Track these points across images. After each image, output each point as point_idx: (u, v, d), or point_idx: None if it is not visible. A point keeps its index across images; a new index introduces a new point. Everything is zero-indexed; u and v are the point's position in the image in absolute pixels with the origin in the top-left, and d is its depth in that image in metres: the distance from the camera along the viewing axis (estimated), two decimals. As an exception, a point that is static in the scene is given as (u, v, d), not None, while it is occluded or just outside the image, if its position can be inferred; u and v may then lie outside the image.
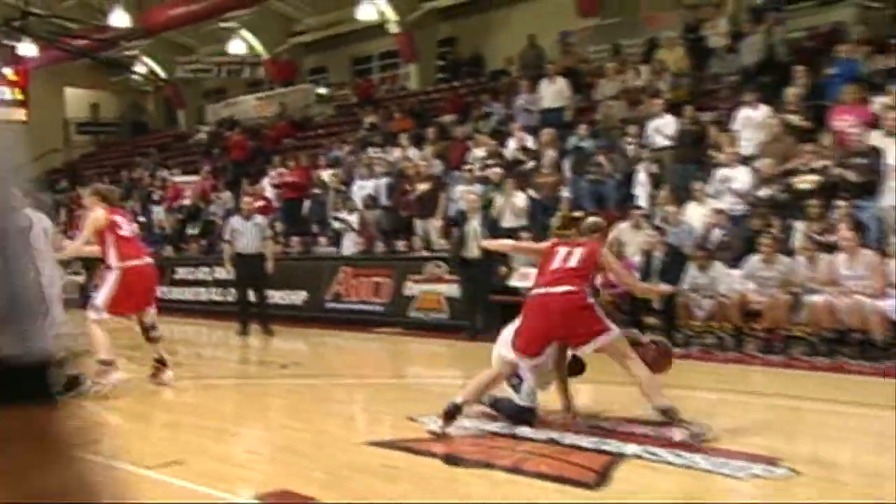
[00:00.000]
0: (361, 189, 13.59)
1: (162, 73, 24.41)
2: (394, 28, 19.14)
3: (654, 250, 9.34)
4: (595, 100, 13.26)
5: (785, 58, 11.76)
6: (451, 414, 5.01)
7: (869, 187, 8.95)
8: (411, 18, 19.00)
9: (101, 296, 6.79)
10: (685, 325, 8.80)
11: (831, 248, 8.37)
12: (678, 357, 5.34)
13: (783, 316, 8.31)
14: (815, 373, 7.50)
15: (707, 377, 5.91)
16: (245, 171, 17.25)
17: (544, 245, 5.58)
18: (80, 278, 13.38)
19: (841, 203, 8.74)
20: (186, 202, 17.14)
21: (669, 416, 4.90)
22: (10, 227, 0.61)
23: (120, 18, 20.57)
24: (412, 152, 13.92)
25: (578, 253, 5.21)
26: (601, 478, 4.23)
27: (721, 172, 10.12)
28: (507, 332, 5.40)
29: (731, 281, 8.68)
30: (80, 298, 10.22)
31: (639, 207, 10.39)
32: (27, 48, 21.94)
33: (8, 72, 23.34)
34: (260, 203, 13.15)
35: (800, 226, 8.92)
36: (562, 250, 5.30)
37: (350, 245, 13.05)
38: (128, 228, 7.00)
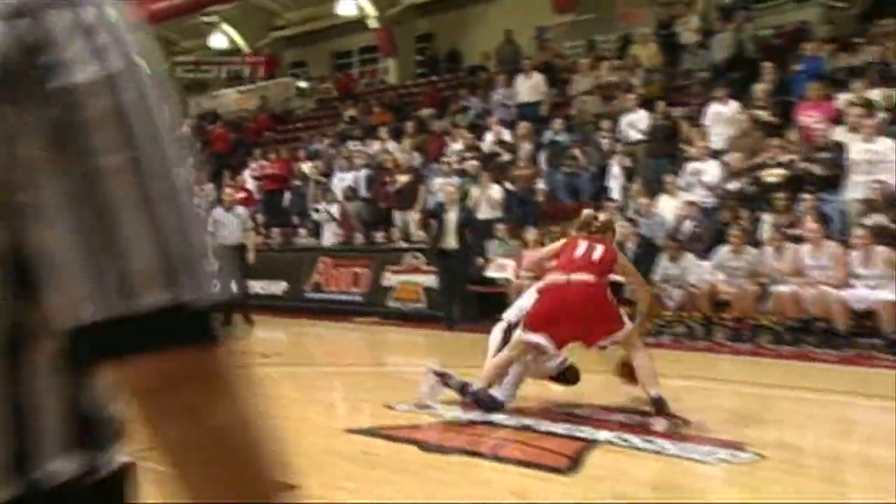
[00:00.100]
0: (341, 181, 13.58)
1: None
2: (373, 23, 19.07)
3: (627, 241, 9.40)
4: (570, 95, 13.30)
5: (753, 55, 11.85)
6: (482, 402, 5.07)
7: (833, 181, 9.07)
8: (390, 14, 18.94)
9: None
10: (656, 314, 8.88)
11: (797, 240, 8.48)
12: (650, 346, 5.41)
13: (751, 306, 8.41)
14: (781, 361, 7.60)
15: (677, 365, 5.99)
16: (226, 163, 17.15)
17: (562, 242, 5.56)
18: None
19: (806, 196, 8.85)
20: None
21: (659, 406, 4.93)
22: (186, 171, 0.64)
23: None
24: (391, 145, 13.92)
25: (599, 249, 5.19)
26: (574, 463, 4.28)
27: (692, 166, 10.20)
28: (509, 315, 5.40)
29: (702, 272, 8.77)
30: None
31: (612, 200, 10.46)
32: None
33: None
34: (241, 195, 13.09)
35: (767, 218, 9.02)
36: (583, 243, 5.29)
37: (330, 236, 13.04)
38: None
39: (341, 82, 20.20)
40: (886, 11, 10.93)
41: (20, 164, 0.59)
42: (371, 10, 18.84)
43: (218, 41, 22.25)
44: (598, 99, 12.57)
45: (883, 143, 8.90)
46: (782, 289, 8.23)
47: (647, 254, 9.03)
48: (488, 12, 17.58)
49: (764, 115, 10.33)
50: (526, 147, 11.92)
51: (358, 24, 19.30)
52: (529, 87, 13.29)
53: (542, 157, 12.02)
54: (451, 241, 10.14)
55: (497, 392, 5.25)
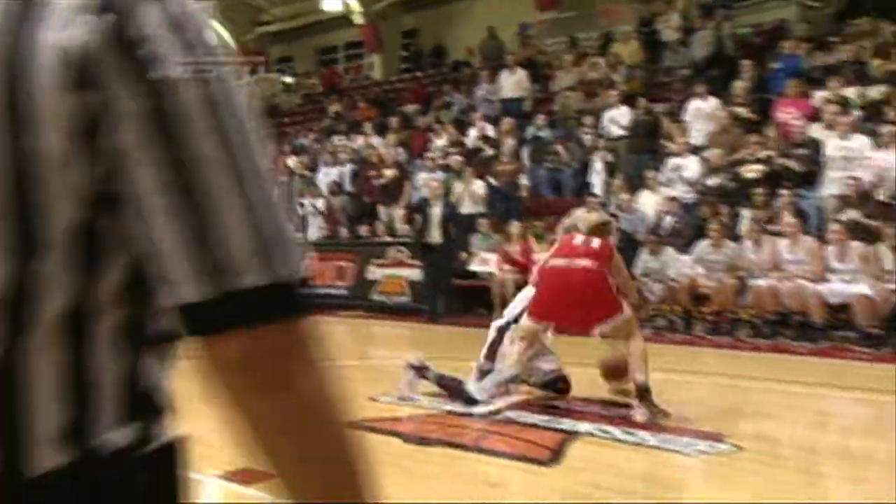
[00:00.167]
0: (326, 176, 13.53)
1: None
2: (358, 19, 18.98)
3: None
4: (553, 91, 13.30)
5: (733, 52, 11.89)
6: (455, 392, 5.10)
7: (810, 177, 9.12)
8: (376, 9, 18.86)
9: None
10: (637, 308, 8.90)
11: (776, 235, 8.52)
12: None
13: (730, 299, 8.45)
14: (759, 354, 7.65)
15: (657, 358, 5.99)
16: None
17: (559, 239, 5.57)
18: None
19: (784, 192, 8.89)
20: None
21: (643, 393, 4.93)
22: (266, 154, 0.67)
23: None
24: (376, 140, 13.87)
25: (597, 241, 5.19)
26: (555, 455, 4.27)
27: (672, 161, 10.23)
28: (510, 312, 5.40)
29: (682, 266, 8.80)
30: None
31: (594, 195, 10.48)
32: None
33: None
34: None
35: (746, 213, 9.06)
36: (580, 236, 5.30)
37: (315, 230, 12.99)
38: None
39: (326, 78, 20.10)
40: (860, 11, 11.00)
41: (116, 154, 0.61)
42: (356, 6, 18.74)
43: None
44: (580, 95, 12.57)
45: (858, 140, 8.96)
46: (760, 283, 8.27)
47: (627, 248, 9.04)
48: (472, 8, 17.55)
49: (743, 111, 10.38)
50: (509, 142, 11.92)
51: (343, 19, 19.21)
52: (513, 82, 13.29)
53: (525, 153, 12.01)
54: (435, 236, 10.13)
55: (474, 389, 5.22)
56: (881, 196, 8.51)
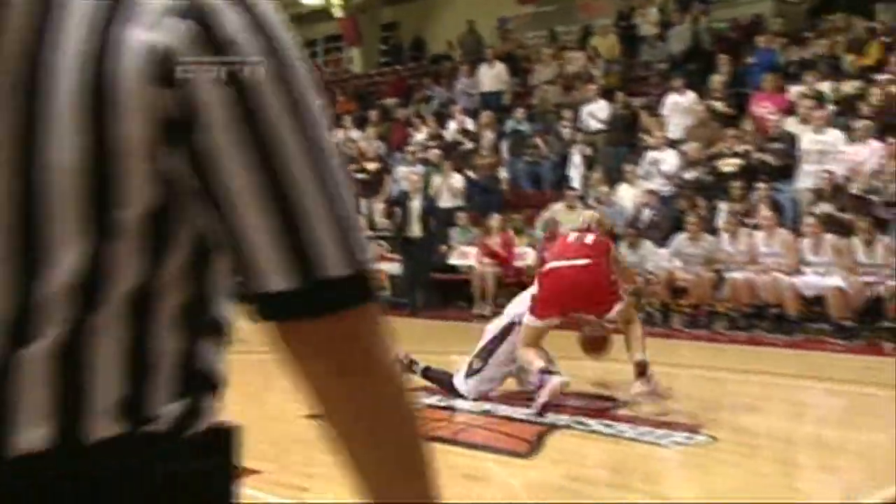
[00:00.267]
0: (306, 169, 13.45)
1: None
2: (338, 12, 18.88)
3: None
4: (532, 84, 13.31)
5: (709, 47, 11.95)
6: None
7: (785, 171, 9.20)
8: (355, 2, 18.77)
9: None
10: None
11: (752, 228, 8.59)
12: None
13: (707, 292, 8.50)
14: (735, 346, 7.70)
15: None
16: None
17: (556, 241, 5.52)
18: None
19: (761, 185, 8.96)
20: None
21: (641, 369, 4.99)
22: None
23: None
24: (355, 134, 13.81)
25: (590, 237, 5.19)
26: (533, 447, 4.29)
27: (650, 155, 10.27)
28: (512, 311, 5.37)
29: (659, 259, 8.84)
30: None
31: (572, 188, 10.51)
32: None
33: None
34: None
35: (723, 206, 9.12)
36: (573, 233, 5.30)
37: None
38: None
39: (306, 71, 20.01)
40: (834, 7, 11.09)
41: (202, 150, 0.64)
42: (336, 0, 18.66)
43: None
44: (559, 89, 12.59)
45: (832, 135, 9.04)
46: (737, 275, 8.33)
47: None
48: (452, 2, 17.50)
49: (720, 105, 10.44)
50: (488, 136, 11.92)
51: (322, 13, 19.09)
52: (492, 76, 13.28)
53: (505, 146, 12.02)
54: (415, 230, 10.10)
55: (461, 383, 5.21)
56: (854, 190, 8.59)
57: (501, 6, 15.62)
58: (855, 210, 8.20)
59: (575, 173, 11.06)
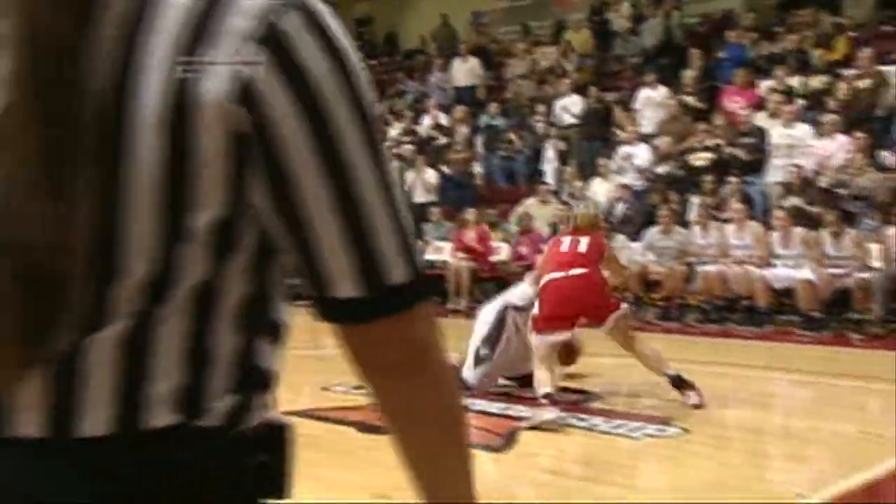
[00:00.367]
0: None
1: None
2: (311, 6, 18.79)
3: (560, 223, 9.48)
4: (505, 79, 13.33)
5: (681, 41, 12.03)
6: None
7: (755, 165, 9.30)
8: (328, -4, 18.69)
9: None
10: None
11: (725, 221, 8.68)
12: (579, 344, 5.50)
13: (679, 285, 8.58)
14: (706, 338, 7.78)
15: (609, 344, 6.07)
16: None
17: (546, 248, 5.49)
18: None
19: (732, 179, 9.05)
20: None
21: (682, 382, 4.96)
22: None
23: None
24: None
25: (584, 241, 5.15)
26: (508, 441, 4.31)
27: (623, 149, 10.33)
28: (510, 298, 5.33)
29: (632, 253, 8.90)
30: None
31: (545, 183, 10.55)
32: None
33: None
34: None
35: (695, 200, 9.20)
36: (566, 239, 5.24)
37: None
38: None
39: (279, 65, 19.87)
40: (803, 2, 11.21)
41: (277, 164, 0.68)
42: (308, -7, 18.55)
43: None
44: (532, 83, 12.62)
45: (800, 129, 9.15)
46: (709, 268, 8.42)
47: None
48: (426, -4, 17.46)
49: (691, 100, 10.52)
50: (462, 131, 11.92)
51: (295, 6, 18.98)
52: (465, 71, 13.28)
53: (479, 141, 12.03)
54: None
55: (469, 375, 5.20)
56: (822, 183, 8.71)
57: (475, 1, 15.62)
58: (823, 203, 8.31)
59: (549, 168, 11.10)
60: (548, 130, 11.42)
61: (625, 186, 9.77)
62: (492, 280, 9.38)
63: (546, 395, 4.65)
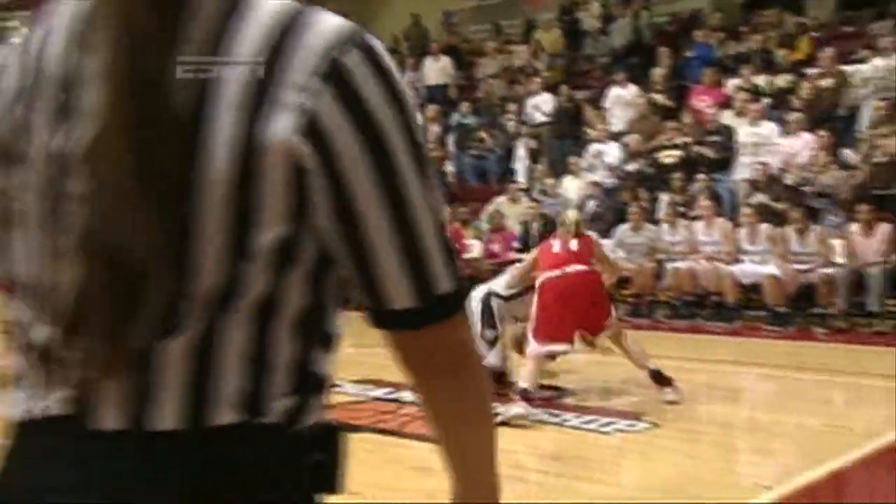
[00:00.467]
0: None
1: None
2: (282, 4, 18.67)
3: (532, 221, 9.53)
4: (477, 78, 13.35)
5: (650, 41, 12.12)
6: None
7: (723, 163, 9.40)
8: (299, -5, 18.59)
9: None
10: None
11: (694, 219, 8.76)
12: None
13: (649, 282, 8.65)
14: (676, 334, 7.86)
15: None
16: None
17: (536, 251, 5.47)
18: None
19: (700, 176, 9.14)
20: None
21: (661, 378, 5.01)
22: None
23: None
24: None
25: (574, 242, 5.14)
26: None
27: (593, 147, 10.40)
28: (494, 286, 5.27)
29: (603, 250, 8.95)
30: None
31: (515, 181, 10.59)
32: None
33: None
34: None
35: (665, 197, 9.28)
36: (555, 241, 5.22)
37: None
38: None
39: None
40: (767, 2, 11.35)
41: (340, 188, 0.75)
42: (279, -8, 18.43)
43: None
44: (503, 82, 12.65)
45: (766, 127, 9.27)
46: (678, 264, 8.50)
47: (551, 233, 9.16)
48: (397, -5, 17.42)
49: (661, 98, 10.61)
50: (434, 129, 11.92)
51: (266, 5, 18.85)
52: (437, 69, 13.28)
53: (451, 140, 12.03)
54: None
55: (491, 358, 5.15)
56: (788, 180, 8.83)
57: (446, 0, 15.62)
58: (788, 200, 8.43)
59: (520, 166, 11.14)
60: (519, 129, 11.46)
61: (595, 184, 9.83)
62: (465, 278, 9.38)
63: (523, 391, 4.66)
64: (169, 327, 0.73)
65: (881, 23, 10.27)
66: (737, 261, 8.28)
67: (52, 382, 0.77)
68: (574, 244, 5.13)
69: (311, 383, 0.80)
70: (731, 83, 10.17)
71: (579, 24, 13.32)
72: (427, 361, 0.83)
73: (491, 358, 5.18)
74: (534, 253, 5.53)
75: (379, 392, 5.25)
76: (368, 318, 0.82)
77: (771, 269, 7.95)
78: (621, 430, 4.51)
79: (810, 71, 9.84)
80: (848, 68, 9.58)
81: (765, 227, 8.21)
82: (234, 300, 0.74)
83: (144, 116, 0.72)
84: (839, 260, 7.84)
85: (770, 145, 9.11)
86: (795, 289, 7.91)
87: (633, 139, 10.10)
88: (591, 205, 9.64)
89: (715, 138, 9.50)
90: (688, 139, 9.71)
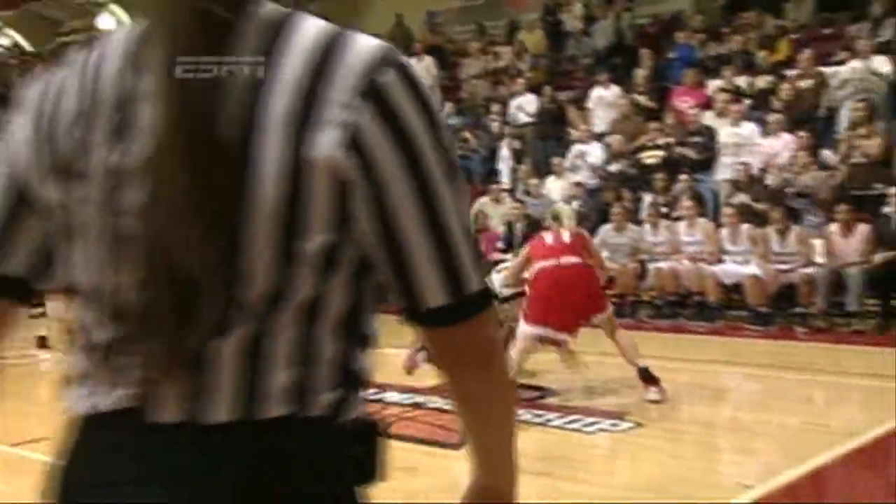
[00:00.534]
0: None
1: (29, 47, 22.82)
2: (265, 4, 18.57)
3: (516, 221, 9.53)
4: (460, 78, 13.34)
5: (632, 42, 12.16)
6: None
7: (705, 163, 9.44)
8: (283, -5, 18.51)
9: None
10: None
11: (677, 219, 8.79)
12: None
13: (632, 282, 8.67)
14: (659, 334, 7.87)
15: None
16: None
17: (527, 248, 5.47)
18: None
19: (683, 177, 9.18)
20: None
21: (648, 376, 5.04)
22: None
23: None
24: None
25: (566, 234, 5.13)
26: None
27: (577, 148, 10.41)
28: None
29: (586, 250, 8.96)
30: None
31: (498, 182, 10.60)
32: None
33: None
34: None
35: (648, 197, 9.30)
36: (547, 235, 5.21)
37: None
38: None
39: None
40: (748, 4, 11.42)
41: (379, 198, 0.81)
42: (263, -8, 18.33)
43: (106, 22, 21.23)
44: (487, 83, 12.65)
45: (747, 128, 9.32)
46: (661, 265, 8.52)
47: (534, 233, 9.16)
48: (381, -4, 17.38)
49: (643, 99, 10.64)
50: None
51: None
52: (421, 70, 13.21)
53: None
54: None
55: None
56: (769, 181, 8.88)
57: (429, 0, 15.60)
58: (769, 200, 8.47)
59: (504, 166, 11.14)
60: (503, 130, 11.46)
61: (578, 184, 9.85)
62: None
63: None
64: (223, 329, 0.79)
65: (858, 25, 10.36)
66: (719, 261, 8.31)
67: (114, 380, 0.83)
68: (567, 236, 5.13)
69: (351, 379, 0.86)
70: (713, 84, 10.22)
71: (562, 25, 13.35)
72: (459, 356, 0.89)
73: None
74: (525, 249, 5.54)
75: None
76: (405, 316, 0.87)
77: (752, 269, 7.99)
78: (605, 430, 4.51)
79: (790, 72, 9.90)
80: (826, 70, 9.65)
81: (746, 228, 8.25)
82: (282, 303, 0.80)
83: (197, 136, 0.78)
84: (819, 260, 7.89)
85: (751, 146, 9.16)
86: (776, 289, 7.95)
87: (615, 140, 10.13)
88: (575, 205, 9.64)
89: (697, 139, 9.54)
90: (670, 140, 9.74)
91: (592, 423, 4.59)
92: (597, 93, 10.94)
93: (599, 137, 10.44)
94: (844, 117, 9.12)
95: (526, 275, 5.24)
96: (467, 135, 11.62)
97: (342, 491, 0.86)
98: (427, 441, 4.29)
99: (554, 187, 10.13)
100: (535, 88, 11.64)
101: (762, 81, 10.05)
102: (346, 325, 0.85)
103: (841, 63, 9.67)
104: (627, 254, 8.72)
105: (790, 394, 5.56)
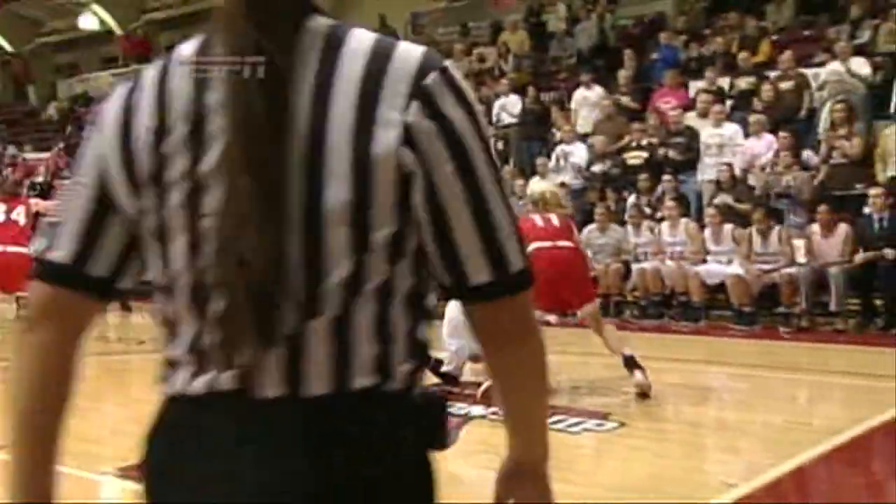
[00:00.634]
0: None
1: (9, 48, 22.59)
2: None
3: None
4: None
5: (615, 43, 12.18)
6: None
7: (688, 164, 9.46)
8: None
9: None
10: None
11: (660, 220, 8.81)
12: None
13: (616, 282, 8.68)
14: (644, 333, 7.88)
15: (549, 340, 6.15)
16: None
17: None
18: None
19: (666, 177, 9.19)
20: (39, 179, 16.04)
21: (634, 363, 5.04)
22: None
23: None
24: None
25: (554, 217, 5.09)
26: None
27: (561, 148, 10.41)
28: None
29: (570, 250, 8.96)
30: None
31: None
32: None
33: None
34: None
35: (631, 198, 9.31)
36: (536, 216, 5.15)
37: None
38: None
39: (218, 65, 19.48)
40: (731, 6, 11.47)
41: (432, 189, 0.91)
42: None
43: (88, 22, 21.04)
44: (471, 83, 12.63)
45: (729, 128, 9.35)
46: (645, 265, 8.54)
47: (519, 234, 9.16)
48: (365, -3, 17.33)
49: (626, 100, 10.66)
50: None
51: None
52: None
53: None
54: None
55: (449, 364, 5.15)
56: (751, 181, 8.91)
57: (414, 1, 15.58)
58: (751, 201, 8.50)
59: (489, 167, 11.11)
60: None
61: (563, 185, 9.84)
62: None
63: (487, 389, 4.64)
64: (313, 311, 0.89)
65: (837, 27, 10.42)
66: (703, 261, 8.33)
67: (209, 365, 0.92)
68: (555, 219, 5.10)
69: (419, 350, 0.97)
70: (695, 85, 10.25)
71: (545, 26, 13.36)
72: (499, 330, 0.97)
73: (448, 364, 5.15)
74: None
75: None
76: (451, 292, 0.95)
77: (735, 269, 8.02)
78: (590, 430, 4.50)
79: (771, 73, 9.95)
80: (807, 71, 9.70)
81: (729, 228, 8.27)
82: (361, 287, 0.91)
83: (268, 144, 0.87)
84: (801, 260, 7.93)
85: (733, 146, 9.19)
86: (759, 288, 7.98)
87: (598, 140, 10.13)
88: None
89: (679, 140, 9.56)
90: (653, 140, 9.76)
91: (577, 423, 4.57)
92: (580, 93, 10.95)
93: (583, 138, 10.45)
94: (824, 118, 9.17)
95: None
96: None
97: (417, 458, 0.96)
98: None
99: (538, 188, 10.11)
100: (518, 89, 11.64)
101: (744, 82, 10.09)
102: (414, 302, 0.95)
103: (821, 65, 9.73)
104: (611, 254, 8.72)
105: (774, 392, 5.58)
